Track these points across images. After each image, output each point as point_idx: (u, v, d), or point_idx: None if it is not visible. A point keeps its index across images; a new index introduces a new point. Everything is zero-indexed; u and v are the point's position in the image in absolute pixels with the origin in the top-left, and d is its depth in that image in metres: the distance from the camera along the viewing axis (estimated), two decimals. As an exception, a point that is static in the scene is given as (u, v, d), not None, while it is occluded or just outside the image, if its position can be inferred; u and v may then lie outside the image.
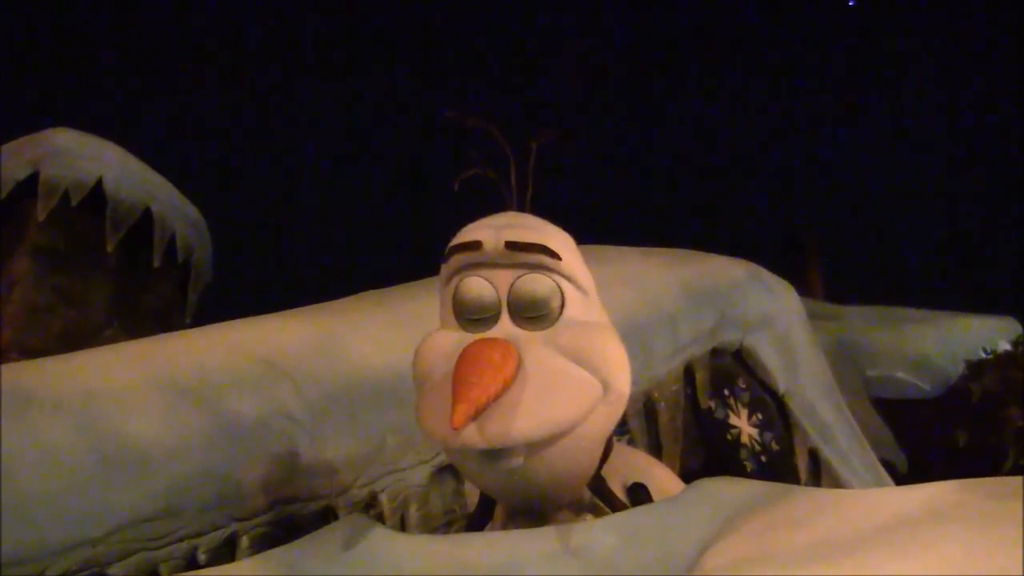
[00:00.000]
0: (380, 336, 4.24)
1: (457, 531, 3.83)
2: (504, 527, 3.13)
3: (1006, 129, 12.45)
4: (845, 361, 8.53)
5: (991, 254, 12.18)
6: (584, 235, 3.22)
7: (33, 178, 6.56)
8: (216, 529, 3.55)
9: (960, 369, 8.79)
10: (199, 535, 3.51)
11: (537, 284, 2.92)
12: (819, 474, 5.47)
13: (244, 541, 3.57)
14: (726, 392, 5.22)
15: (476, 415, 2.67)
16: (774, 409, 5.43)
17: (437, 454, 3.92)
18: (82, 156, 6.70)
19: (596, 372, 2.86)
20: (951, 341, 9.20)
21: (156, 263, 6.89)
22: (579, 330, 2.92)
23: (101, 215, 6.63)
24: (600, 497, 3.11)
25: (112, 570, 3.29)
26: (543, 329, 2.91)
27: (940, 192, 12.61)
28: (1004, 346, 8.88)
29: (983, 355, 8.78)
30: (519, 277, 2.92)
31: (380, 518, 3.77)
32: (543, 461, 2.81)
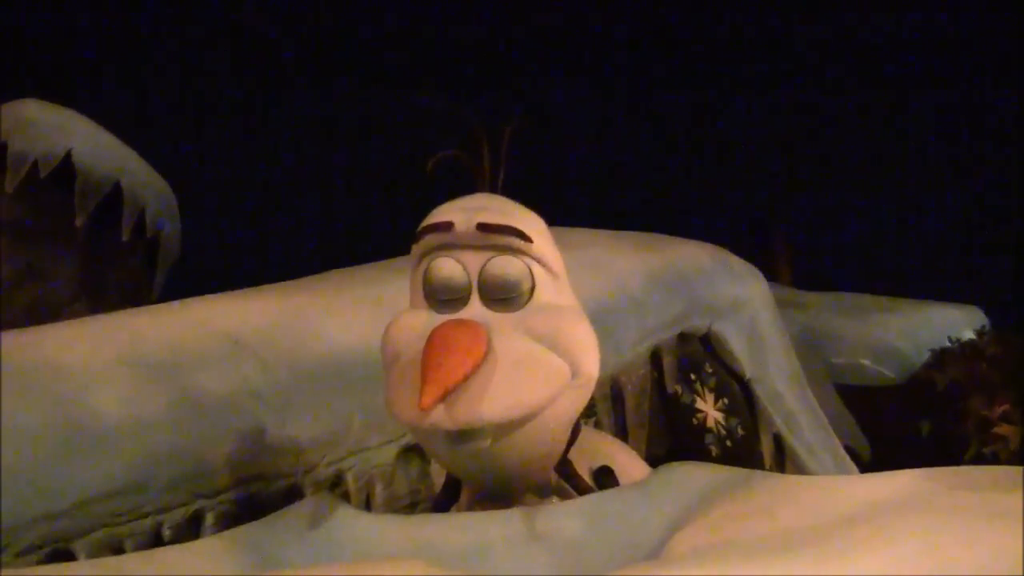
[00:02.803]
0: (349, 315, 4.23)
1: (422, 512, 3.84)
2: (470, 509, 3.13)
3: (973, 119, 12.52)
4: (810, 348, 8.54)
5: (957, 243, 12.24)
6: (553, 217, 3.22)
7: (1, 150, 6.50)
8: (181, 506, 3.53)
9: (924, 358, 8.84)
10: (163, 511, 3.49)
11: (508, 266, 2.92)
12: (783, 459, 5.49)
13: (209, 518, 3.56)
14: (692, 377, 5.24)
15: (444, 396, 2.69)
16: (740, 394, 5.44)
17: (404, 434, 3.92)
18: (51, 128, 6.61)
19: (565, 355, 2.87)
20: (916, 330, 9.25)
21: (125, 237, 6.83)
22: (549, 313, 2.93)
23: (70, 188, 6.57)
24: (567, 480, 3.12)
25: (75, 545, 3.27)
26: (513, 312, 2.91)
27: (907, 181, 12.68)
28: (969, 335, 8.94)
29: (948, 344, 8.84)
30: (490, 259, 2.92)
31: (345, 497, 3.76)
32: (511, 443, 2.82)
